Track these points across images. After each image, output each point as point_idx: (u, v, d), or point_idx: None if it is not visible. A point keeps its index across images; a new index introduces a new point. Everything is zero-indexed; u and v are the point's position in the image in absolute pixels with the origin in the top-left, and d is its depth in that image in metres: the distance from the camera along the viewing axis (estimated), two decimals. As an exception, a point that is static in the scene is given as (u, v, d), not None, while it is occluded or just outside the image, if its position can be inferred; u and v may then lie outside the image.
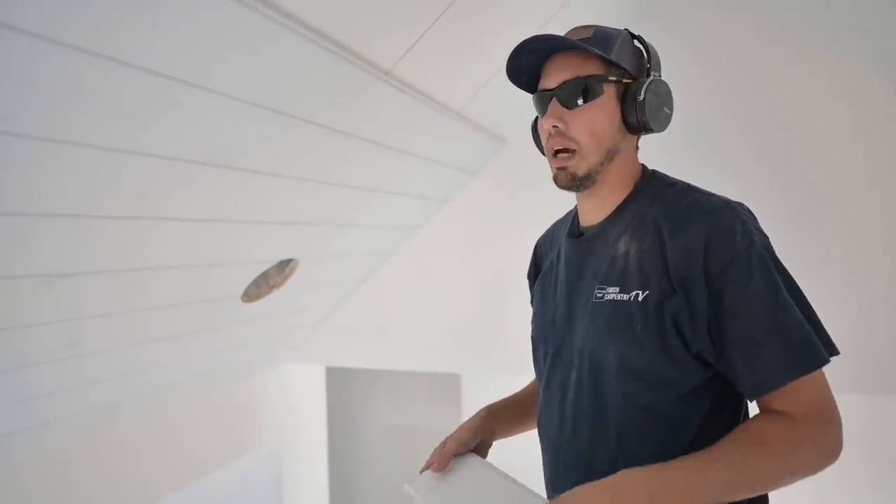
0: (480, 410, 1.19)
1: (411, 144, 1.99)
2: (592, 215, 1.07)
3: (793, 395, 0.89)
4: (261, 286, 2.12)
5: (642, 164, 1.09)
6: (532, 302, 1.23)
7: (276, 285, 2.15)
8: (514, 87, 1.08)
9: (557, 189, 1.05)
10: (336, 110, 1.55)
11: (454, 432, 1.10)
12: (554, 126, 0.98)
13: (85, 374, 1.86)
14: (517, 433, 1.22)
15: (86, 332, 1.67)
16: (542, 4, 1.91)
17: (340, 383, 3.47)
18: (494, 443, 1.17)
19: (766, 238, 0.96)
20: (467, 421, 1.14)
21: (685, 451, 0.92)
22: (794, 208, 2.14)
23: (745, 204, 1.00)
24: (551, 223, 1.29)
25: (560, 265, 1.12)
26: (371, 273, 2.82)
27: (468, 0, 1.54)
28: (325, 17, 1.27)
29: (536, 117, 1.13)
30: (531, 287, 1.27)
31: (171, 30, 1.02)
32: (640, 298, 0.94)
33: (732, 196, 1.01)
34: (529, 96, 1.11)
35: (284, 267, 2.15)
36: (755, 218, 0.98)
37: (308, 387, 3.36)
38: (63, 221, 1.27)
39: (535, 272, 1.26)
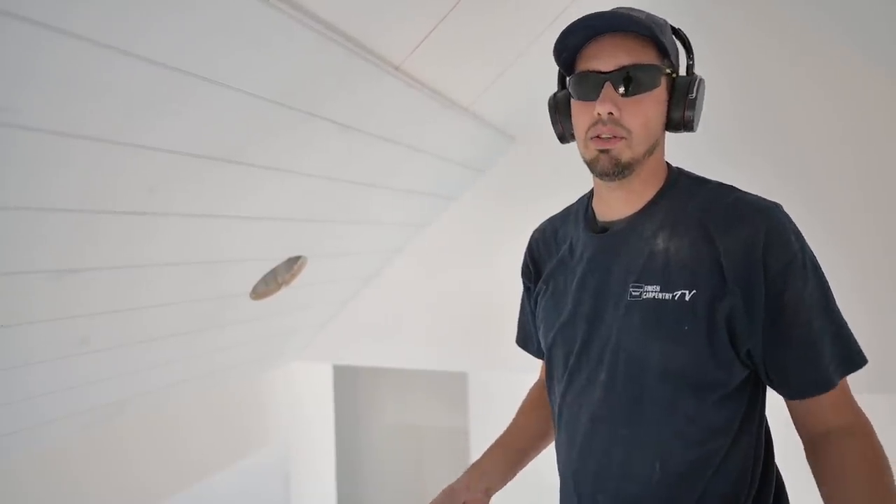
0: (468, 469, 1.14)
1: (420, 140, 1.97)
2: (619, 209, 1.03)
3: (839, 394, 0.91)
4: (269, 284, 2.11)
5: (666, 162, 1.06)
6: (535, 301, 1.17)
7: (285, 282, 2.14)
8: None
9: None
10: (346, 105, 1.53)
11: (437, 498, 1.07)
12: (609, 113, 0.93)
13: (89, 373, 1.84)
14: (517, 472, 1.17)
15: (92, 329, 1.65)
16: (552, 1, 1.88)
17: (348, 381, 3.46)
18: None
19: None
20: (452, 483, 1.10)
21: (725, 457, 0.93)
22: (809, 211, 2.11)
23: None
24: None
25: (576, 262, 1.07)
26: (379, 270, 2.80)
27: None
28: (334, 10, 1.25)
29: (555, 94, 1.08)
30: (529, 286, 1.22)
31: (180, 22, 1.00)
32: (686, 298, 0.92)
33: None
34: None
35: (293, 264, 2.13)
36: None
37: (315, 385, 3.35)
38: (70, 216, 1.26)
39: (535, 270, 1.20)
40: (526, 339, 1.29)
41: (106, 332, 1.72)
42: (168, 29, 1.00)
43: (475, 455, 1.25)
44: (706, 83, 1.03)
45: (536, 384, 1.31)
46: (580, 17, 0.95)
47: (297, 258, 2.10)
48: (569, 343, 1.05)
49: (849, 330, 0.93)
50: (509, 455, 1.17)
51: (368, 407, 3.54)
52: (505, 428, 1.25)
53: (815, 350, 0.90)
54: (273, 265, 2.01)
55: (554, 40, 0.98)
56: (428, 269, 2.76)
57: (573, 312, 1.04)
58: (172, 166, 1.32)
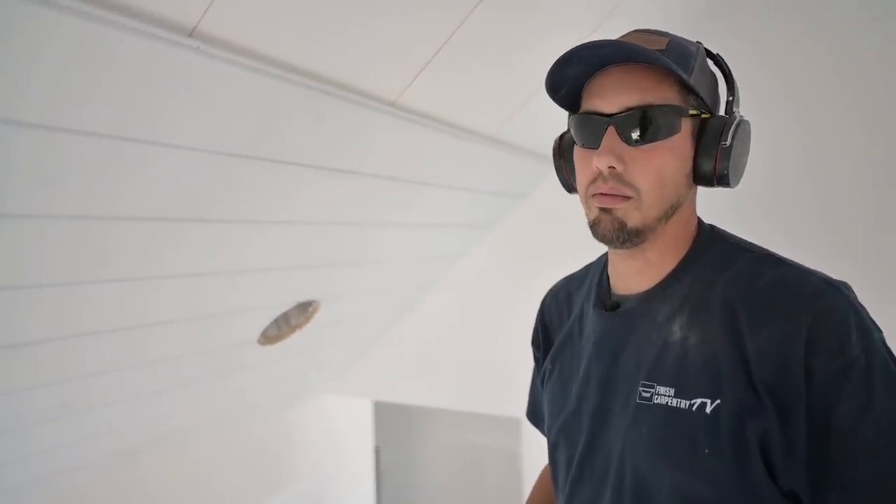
0: None
1: (434, 175, 1.78)
2: (633, 282, 0.81)
3: None
4: (282, 328, 1.98)
5: (698, 217, 0.82)
6: (543, 379, 0.96)
7: (299, 326, 2.00)
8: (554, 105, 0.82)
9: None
10: (332, 148, 1.37)
11: None
12: (610, 167, 0.72)
13: (102, 423, 1.79)
14: None
15: (108, 384, 1.61)
16: (585, 13, 1.63)
17: (389, 418, 3.29)
18: None
19: (881, 332, 0.69)
20: None
21: None
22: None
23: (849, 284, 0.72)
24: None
25: (584, 341, 0.87)
26: (413, 305, 2.61)
27: (485, 16, 1.30)
28: (303, 53, 1.09)
29: (562, 135, 0.87)
30: (538, 357, 1.02)
31: (114, 88, 0.89)
32: (707, 410, 0.69)
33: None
34: None
35: (307, 307, 1.99)
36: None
37: (352, 420, 3.21)
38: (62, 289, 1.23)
39: (544, 339, 1.00)
40: (537, 415, 1.08)
41: (119, 386, 1.66)
42: (106, 98, 0.90)
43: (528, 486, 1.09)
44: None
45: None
46: (579, 44, 0.72)
47: (311, 302, 1.96)
48: (571, 445, 0.86)
49: None
50: None
51: (414, 445, 3.37)
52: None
53: (882, 496, 0.64)
54: (281, 312, 1.87)
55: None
56: (473, 303, 2.52)
57: (577, 407, 0.85)
58: (154, 232, 1.24)
